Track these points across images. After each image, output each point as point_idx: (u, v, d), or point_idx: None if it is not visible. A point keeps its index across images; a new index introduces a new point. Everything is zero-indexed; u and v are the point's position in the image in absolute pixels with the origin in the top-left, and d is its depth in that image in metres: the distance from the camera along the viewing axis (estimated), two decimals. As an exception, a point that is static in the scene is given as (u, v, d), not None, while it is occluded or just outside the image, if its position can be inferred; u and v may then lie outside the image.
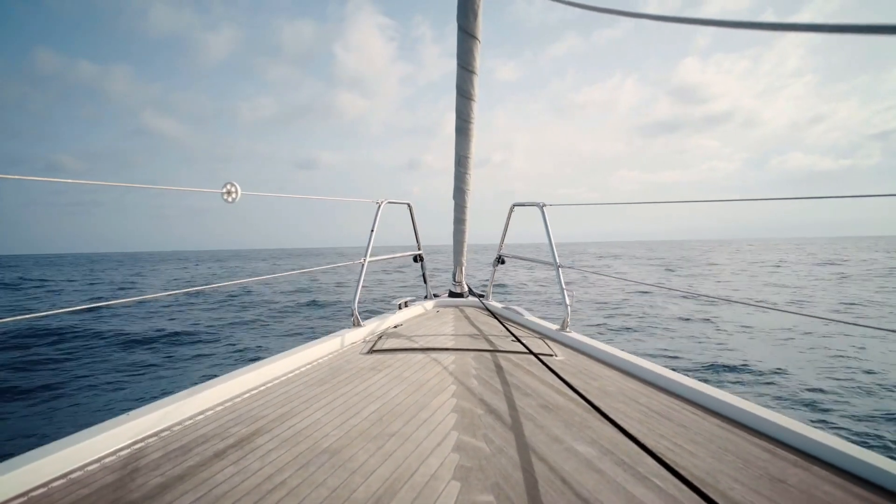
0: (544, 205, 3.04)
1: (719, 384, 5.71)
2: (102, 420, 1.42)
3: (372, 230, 3.00)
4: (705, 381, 1.90)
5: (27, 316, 1.42)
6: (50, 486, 1.15)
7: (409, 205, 3.64)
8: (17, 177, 1.32)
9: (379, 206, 3.11)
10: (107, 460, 1.28)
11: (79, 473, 1.21)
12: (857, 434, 4.53)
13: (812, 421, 4.79)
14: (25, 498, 1.10)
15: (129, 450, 1.34)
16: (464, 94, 3.57)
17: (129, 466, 1.24)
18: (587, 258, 46.50)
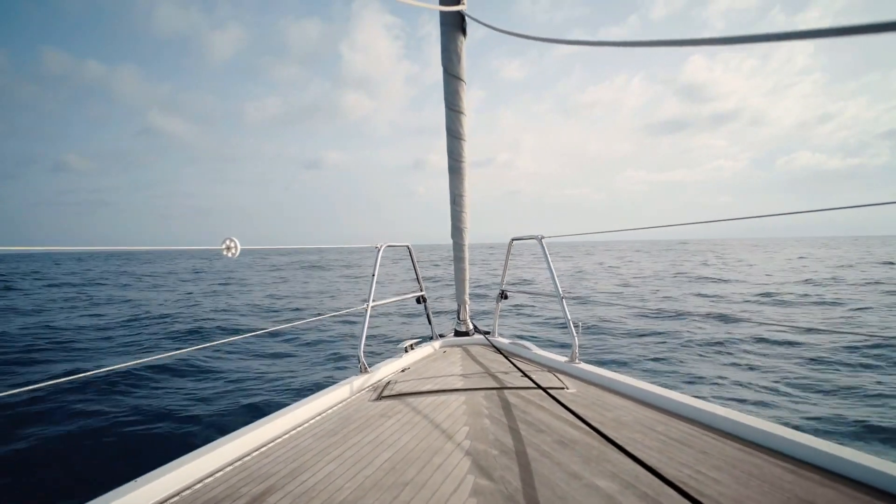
0: (543, 237, 3.06)
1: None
2: (106, 490, 1.38)
3: (373, 275, 3.00)
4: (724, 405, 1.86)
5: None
6: None
7: (408, 247, 3.67)
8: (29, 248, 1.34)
9: (378, 251, 3.12)
10: None
11: None
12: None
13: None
14: None
15: None
16: (454, 135, 3.65)
17: None
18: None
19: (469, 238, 3.89)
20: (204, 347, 2.06)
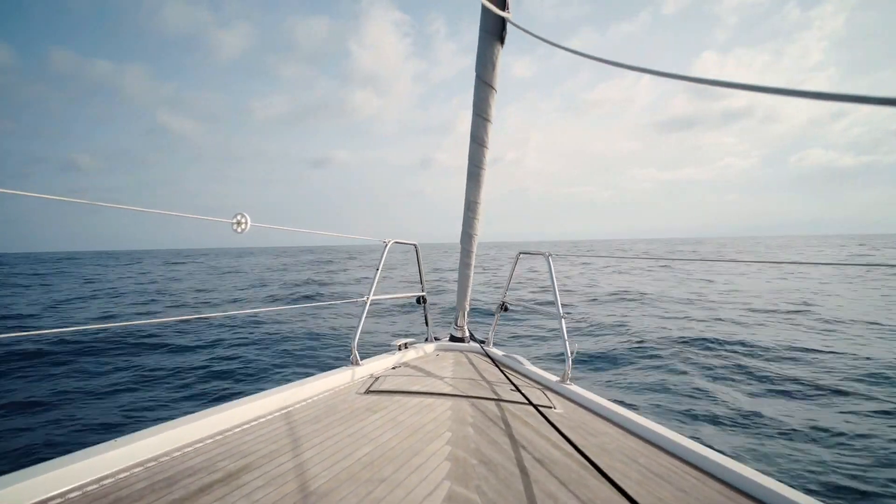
0: (550, 254, 3.05)
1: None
2: (86, 446, 1.39)
3: (377, 269, 3.01)
4: (708, 445, 1.84)
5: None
6: None
7: (415, 245, 3.67)
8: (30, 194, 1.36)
9: (386, 246, 3.13)
10: (89, 489, 1.25)
11: (58, 501, 1.18)
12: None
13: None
14: None
15: (112, 479, 1.31)
16: (477, 142, 3.65)
17: (110, 496, 1.21)
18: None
19: (477, 246, 3.89)
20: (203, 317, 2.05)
